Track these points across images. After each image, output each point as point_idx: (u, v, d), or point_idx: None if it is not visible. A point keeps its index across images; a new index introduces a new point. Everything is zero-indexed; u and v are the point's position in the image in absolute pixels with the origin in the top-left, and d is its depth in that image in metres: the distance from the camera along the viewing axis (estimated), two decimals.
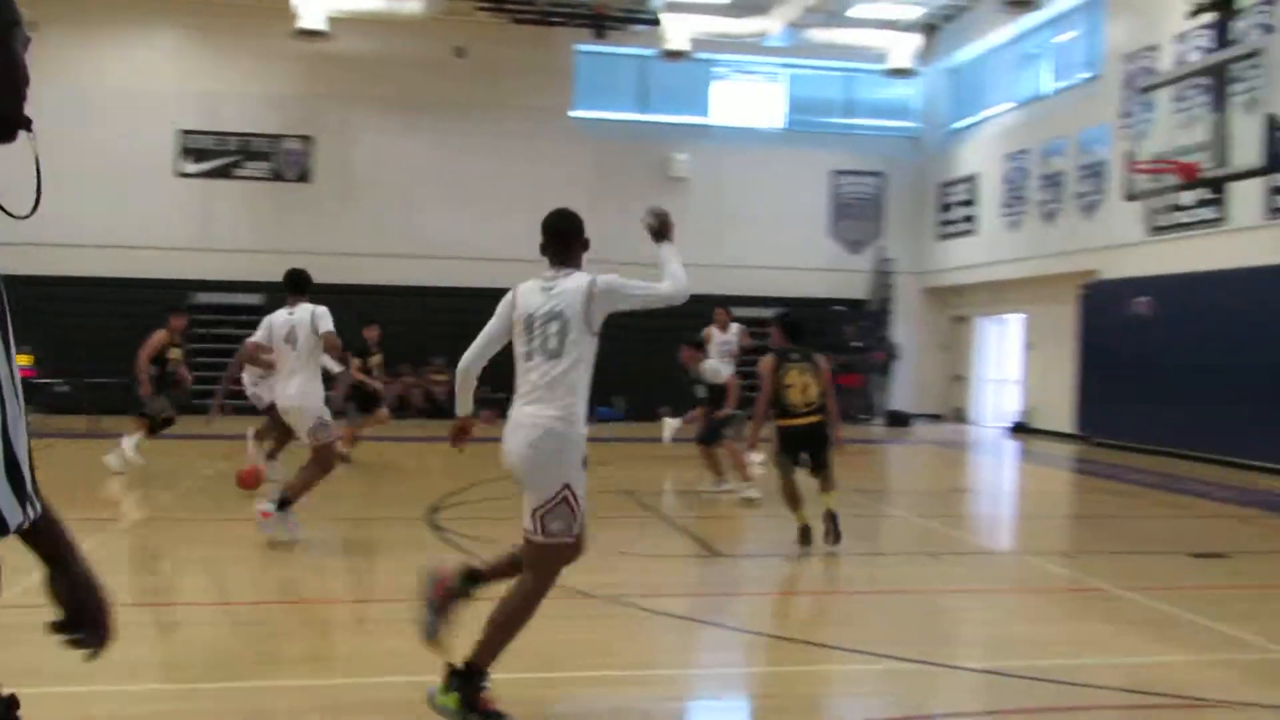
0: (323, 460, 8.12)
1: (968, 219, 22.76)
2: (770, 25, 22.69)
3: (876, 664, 5.35)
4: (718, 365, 11.18)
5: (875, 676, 5.23)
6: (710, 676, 5.39)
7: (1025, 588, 7.66)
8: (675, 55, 22.05)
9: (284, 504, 7.84)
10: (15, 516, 1.69)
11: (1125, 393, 16.49)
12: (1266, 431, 13.78)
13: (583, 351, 4.32)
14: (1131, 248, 17.08)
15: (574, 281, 4.36)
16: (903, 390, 23.56)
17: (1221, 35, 12.57)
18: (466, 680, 4.18)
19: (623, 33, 22.30)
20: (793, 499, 8.27)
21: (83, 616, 1.86)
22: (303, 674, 5.10)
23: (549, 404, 4.28)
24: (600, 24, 21.84)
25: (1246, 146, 11.16)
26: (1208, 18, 12.66)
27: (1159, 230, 16.15)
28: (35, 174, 1.81)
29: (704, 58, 23.66)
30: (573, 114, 23.23)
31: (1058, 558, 8.40)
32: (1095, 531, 10.04)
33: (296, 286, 8.39)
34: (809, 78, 24.69)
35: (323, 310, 8.21)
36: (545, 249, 4.54)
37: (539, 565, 4.31)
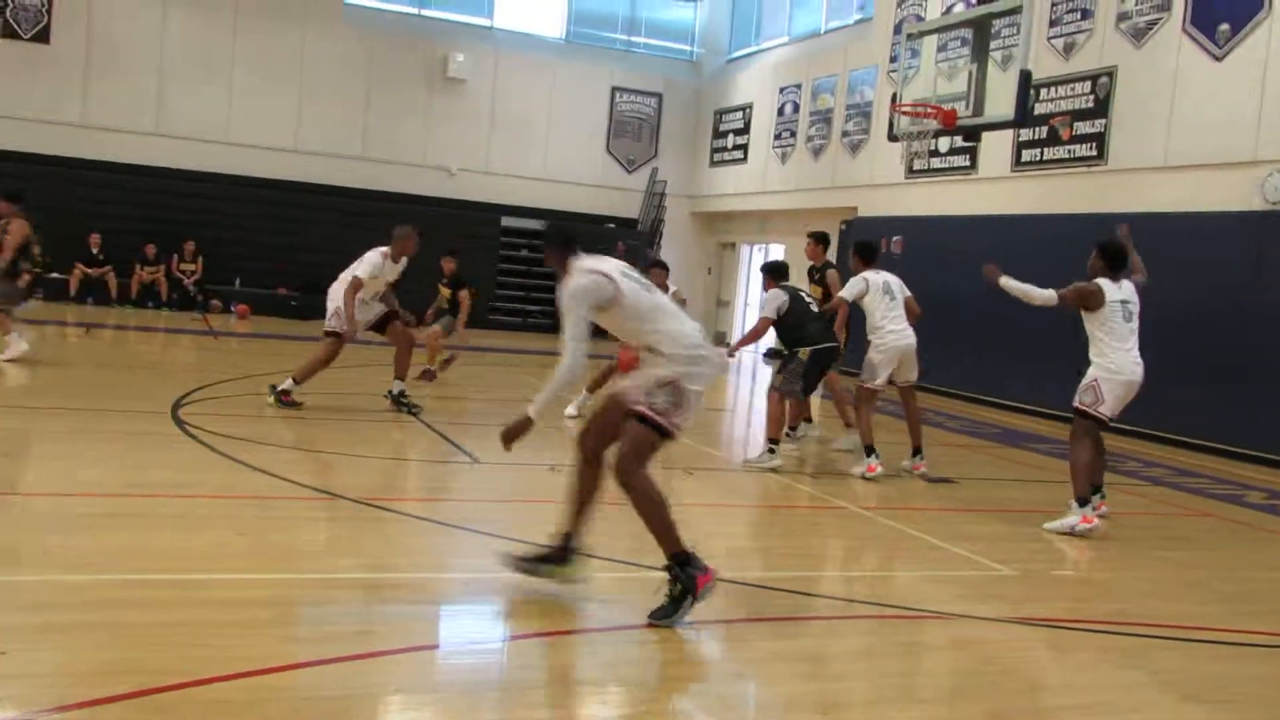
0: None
1: (740, 148, 23.21)
2: None
3: (622, 571, 5.44)
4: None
5: (619, 584, 5.31)
6: (455, 580, 5.32)
7: (770, 504, 7.98)
8: None
9: None
10: None
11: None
12: (988, 368, 14.85)
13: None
14: (890, 188, 17.87)
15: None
16: None
17: None
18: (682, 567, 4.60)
19: None
20: None
21: None
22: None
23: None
24: None
25: (1001, 99, 11.76)
26: None
27: (916, 174, 16.95)
28: None
29: None
30: (347, 1, 22.13)
31: (804, 477, 8.78)
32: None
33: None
34: None
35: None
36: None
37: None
